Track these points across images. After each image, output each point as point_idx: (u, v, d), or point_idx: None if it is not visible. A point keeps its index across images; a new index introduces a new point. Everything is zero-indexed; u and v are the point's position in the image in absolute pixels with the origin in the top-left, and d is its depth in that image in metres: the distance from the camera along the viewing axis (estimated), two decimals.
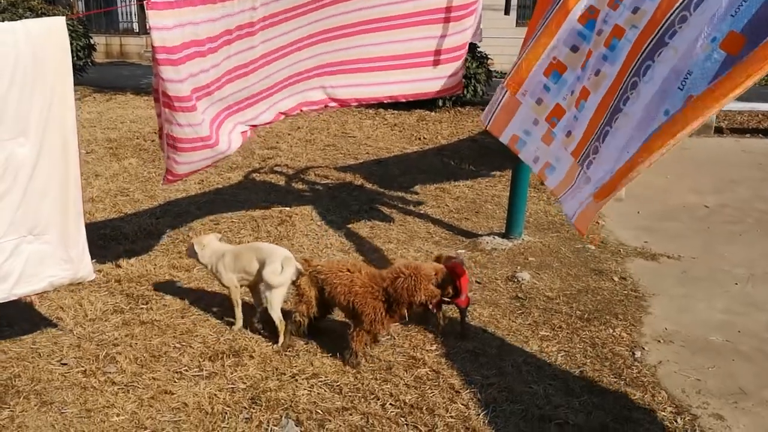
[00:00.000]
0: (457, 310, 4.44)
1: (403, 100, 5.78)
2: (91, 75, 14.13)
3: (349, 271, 4.04)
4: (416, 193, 7.55)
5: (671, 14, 3.06)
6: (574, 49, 4.01)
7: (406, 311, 3.98)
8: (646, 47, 3.18)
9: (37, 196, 3.65)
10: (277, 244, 5.77)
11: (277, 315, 4.20)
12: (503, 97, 4.54)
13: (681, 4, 3.01)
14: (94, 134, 9.76)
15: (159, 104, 4.42)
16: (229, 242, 5.18)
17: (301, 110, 5.42)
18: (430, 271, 4.00)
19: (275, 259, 4.25)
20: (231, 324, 4.45)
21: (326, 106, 5.56)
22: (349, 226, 6.44)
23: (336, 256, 5.67)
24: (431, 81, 5.62)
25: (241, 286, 4.48)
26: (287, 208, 6.87)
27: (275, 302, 4.21)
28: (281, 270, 4.20)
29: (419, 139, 10.08)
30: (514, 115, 4.42)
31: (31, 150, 3.55)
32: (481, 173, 8.34)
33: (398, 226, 6.46)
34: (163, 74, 4.13)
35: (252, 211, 6.78)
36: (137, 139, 9.65)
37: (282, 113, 5.26)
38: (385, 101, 5.70)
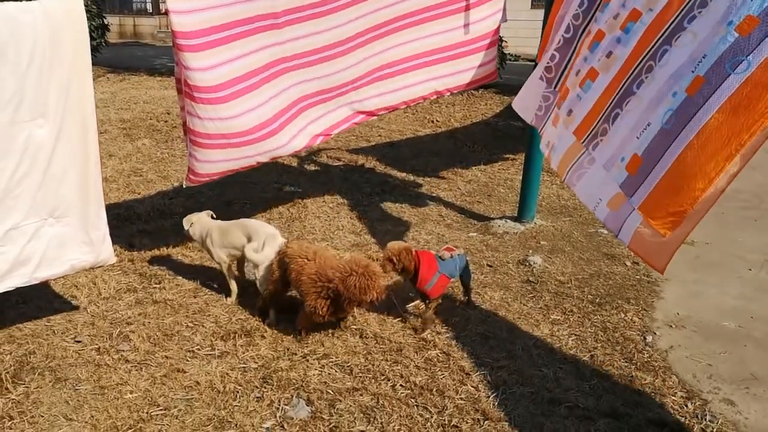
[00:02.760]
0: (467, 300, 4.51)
1: (447, 94, 5.76)
2: (104, 55, 14.15)
3: (307, 258, 4.04)
4: (428, 176, 7.54)
5: None
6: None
7: (354, 308, 4.04)
8: (664, 32, 3.11)
9: (57, 179, 3.64)
10: (288, 225, 5.81)
11: (263, 290, 4.31)
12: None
13: None
14: (107, 114, 9.80)
15: (182, 96, 4.35)
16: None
17: (353, 123, 5.38)
18: (379, 268, 3.92)
19: (259, 236, 4.37)
20: (243, 304, 4.48)
21: (374, 115, 5.51)
22: (361, 208, 6.44)
23: (347, 238, 5.68)
24: (468, 71, 5.58)
25: (232, 261, 4.61)
26: (299, 190, 6.88)
27: (260, 278, 4.32)
28: (262, 248, 4.31)
29: (432, 121, 10.05)
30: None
31: (50, 132, 3.55)
32: (494, 157, 8.31)
33: (410, 209, 6.45)
34: (185, 62, 4.08)
35: (264, 193, 6.80)
36: (150, 119, 9.68)
37: (318, 135, 5.17)
38: (428, 98, 5.69)
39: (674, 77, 2.91)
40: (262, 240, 4.34)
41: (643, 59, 3.22)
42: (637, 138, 3.03)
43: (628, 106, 3.20)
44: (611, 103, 3.38)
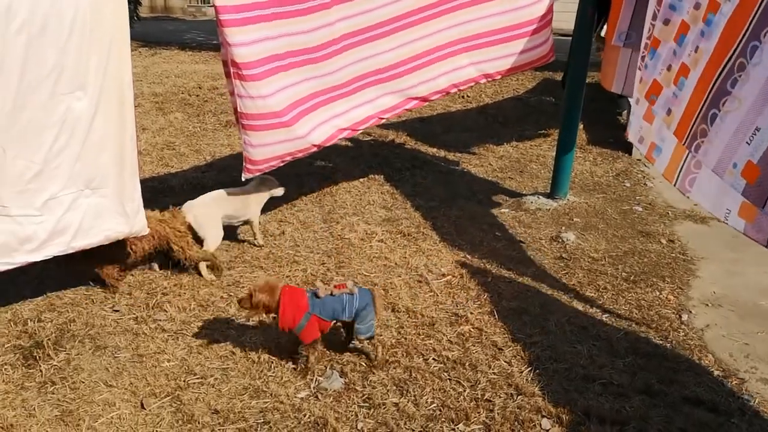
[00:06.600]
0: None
1: (498, 78, 5.69)
2: (136, 29, 14.11)
3: None
4: (459, 152, 7.48)
5: None
6: (666, 21, 3.85)
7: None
8: (749, 25, 2.94)
9: (95, 150, 3.68)
10: (320, 200, 5.84)
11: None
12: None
13: None
14: (140, 88, 9.85)
15: (230, 79, 4.28)
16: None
17: (404, 109, 5.32)
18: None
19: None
20: (279, 276, 4.51)
21: (426, 100, 5.46)
22: (392, 183, 6.42)
23: (378, 213, 5.68)
24: (520, 54, 5.48)
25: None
26: (330, 165, 6.89)
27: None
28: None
29: (463, 97, 9.93)
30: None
31: (88, 104, 3.57)
32: (526, 133, 8.20)
33: (441, 185, 6.42)
34: (228, 38, 4.05)
35: (296, 167, 6.80)
36: (182, 93, 9.72)
37: (382, 113, 5.14)
38: (481, 81, 5.62)
39: None
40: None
41: (732, 55, 3.04)
42: (748, 144, 2.86)
43: (726, 106, 3.04)
44: (705, 101, 3.22)
